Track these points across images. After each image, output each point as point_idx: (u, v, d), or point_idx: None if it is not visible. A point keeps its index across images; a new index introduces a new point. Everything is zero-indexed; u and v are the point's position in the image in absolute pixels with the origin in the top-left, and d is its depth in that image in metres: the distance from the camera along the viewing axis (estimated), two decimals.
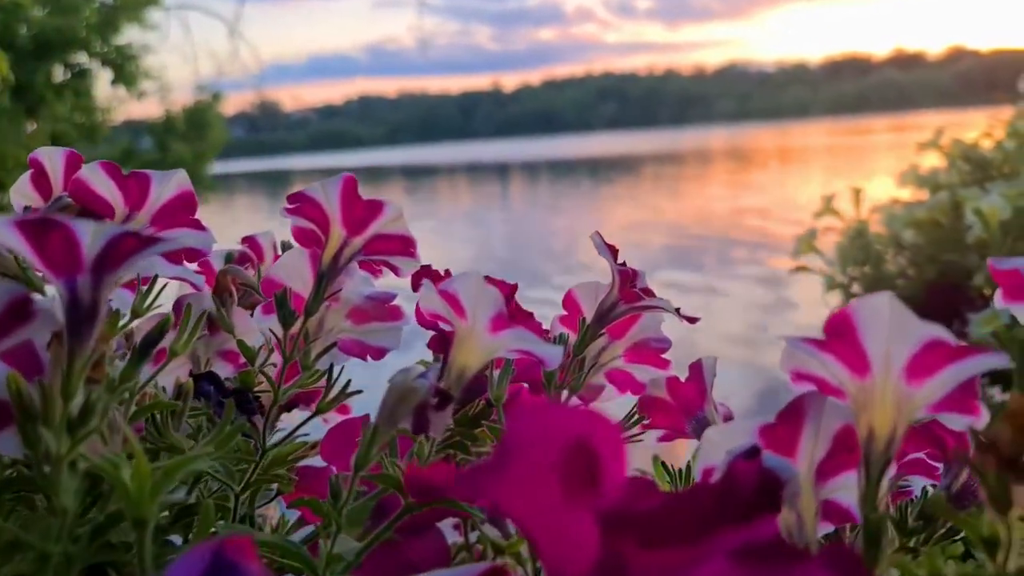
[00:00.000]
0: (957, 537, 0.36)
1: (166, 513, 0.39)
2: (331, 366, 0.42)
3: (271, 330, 0.41)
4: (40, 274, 0.41)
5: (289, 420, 0.53)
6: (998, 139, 1.41)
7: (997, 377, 1.39)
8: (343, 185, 0.40)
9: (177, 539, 0.39)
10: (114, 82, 9.85)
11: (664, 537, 0.19)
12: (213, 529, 0.35)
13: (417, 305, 0.41)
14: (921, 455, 0.40)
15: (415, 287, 0.58)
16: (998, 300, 0.28)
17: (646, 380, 0.47)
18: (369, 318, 0.43)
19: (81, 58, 9.68)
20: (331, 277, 0.41)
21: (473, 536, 0.43)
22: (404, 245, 0.42)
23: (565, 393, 0.48)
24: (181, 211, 0.43)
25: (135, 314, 0.41)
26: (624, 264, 0.44)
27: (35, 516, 0.33)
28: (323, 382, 0.52)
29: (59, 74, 9.65)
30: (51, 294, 0.35)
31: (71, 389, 0.29)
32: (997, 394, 1.29)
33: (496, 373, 0.40)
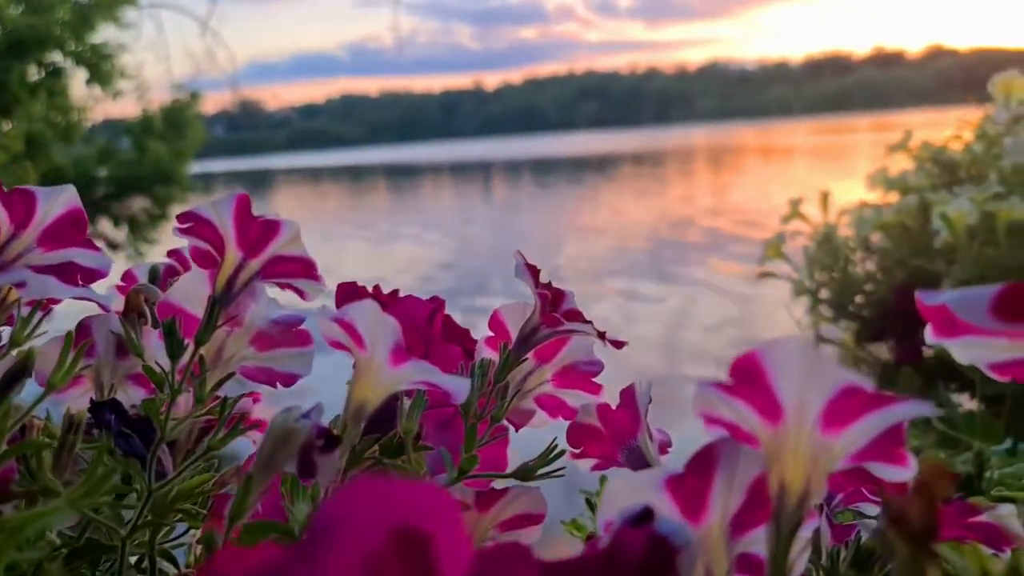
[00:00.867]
0: None
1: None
2: (225, 398, 0.39)
3: (156, 362, 0.38)
4: None
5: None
6: (967, 141, 1.40)
7: (966, 383, 1.38)
8: (236, 204, 0.37)
9: None
10: (89, 81, 9.73)
11: None
12: None
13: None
14: (864, 491, 0.38)
15: (338, 305, 0.56)
16: (929, 335, 0.26)
17: (577, 405, 0.45)
18: (275, 344, 0.40)
19: (56, 57, 9.55)
20: (226, 302, 0.38)
21: None
22: (305, 267, 0.39)
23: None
24: (70, 229, 0.40)
25: (14, 343, 0.37)
26: (548, 285, 0.41)
27: None
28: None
29: (33, 73, 9.52)
30: None
31: None
32: (966, 401, 1.28)
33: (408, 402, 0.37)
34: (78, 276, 0.41)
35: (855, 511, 0.43)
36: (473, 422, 0.40)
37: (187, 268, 0.61)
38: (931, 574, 0.20)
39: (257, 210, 0.42)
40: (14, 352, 0.38)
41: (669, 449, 0.45)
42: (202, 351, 0.38)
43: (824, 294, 1.39)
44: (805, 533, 0.28)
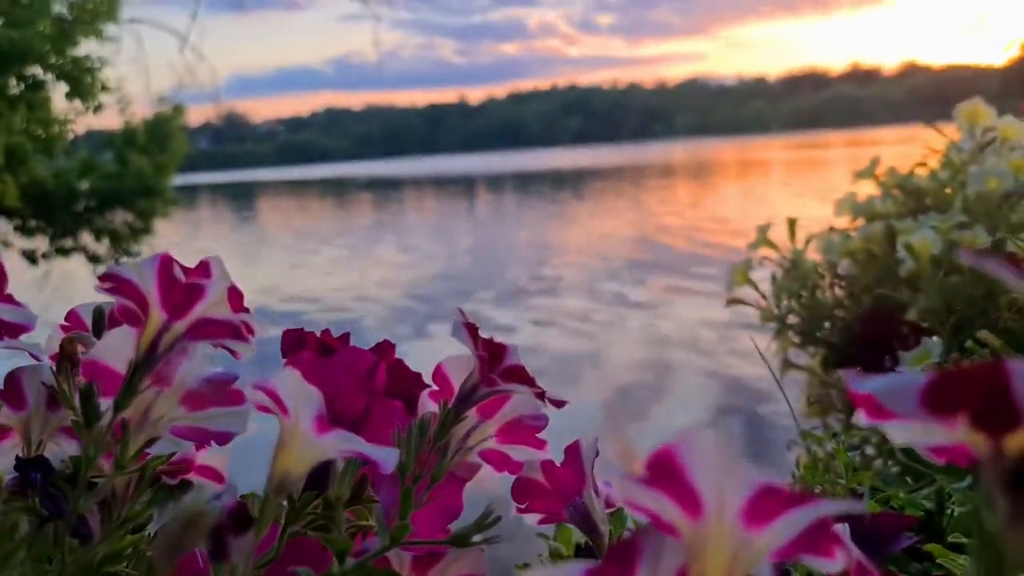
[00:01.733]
0: None
1: None
2: (144, 466, 0.38)
3: (72, 423, 0.37)
4: None
5: None
6: (933, 168, 1.41)
7: None
8: (159, 265, 0.36)
9: None
10: (69, 95, 9.64)
11: None
12: None
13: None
14: None
15: (284, 353, 0.54)
16: (861, 417, 0.25)
17: (522, 459, 0.44)
18: (207, 403, 0.39)
19: (36, 70, 9.46)
20: (150, 364, 0.37)
21: None
22: (232, 329, 0.38)
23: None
24: None
25: None
26: (489, 341, 0.41)
27: None
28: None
29: (13, 86, 9.42)
30: None
31: None
32: None
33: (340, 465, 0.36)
34: (2, 332, 0.40)
35: None
36: (410, 486, 0.39)
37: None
38: None
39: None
40: None
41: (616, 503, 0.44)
42: (125, 414, 0.37)
43: (792, 319, 1.39)
44: None
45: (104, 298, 0.47)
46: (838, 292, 1.44)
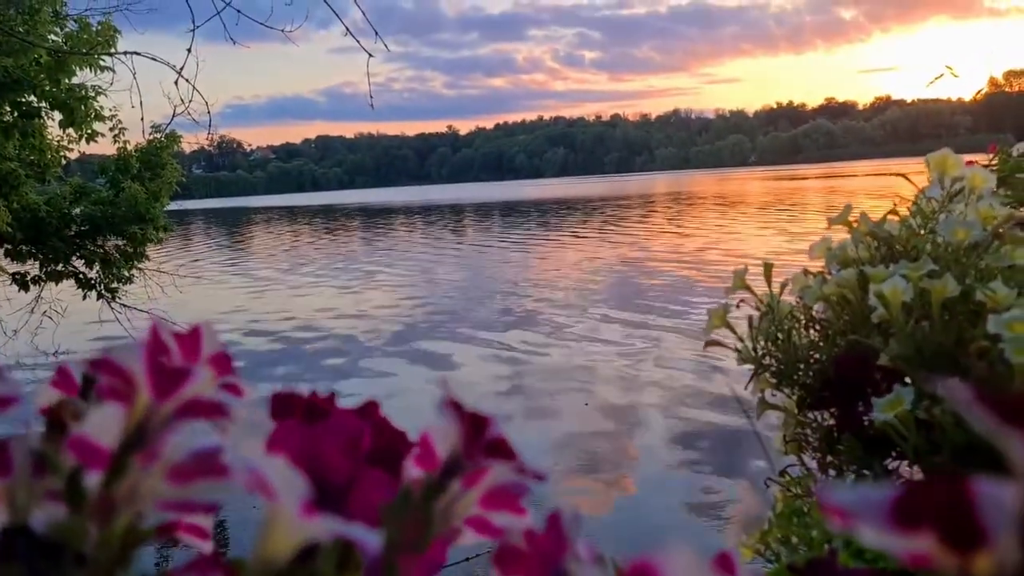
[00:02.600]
0: None
1: None
2: (129, 537, 0.38)
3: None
4: None
5: None
6: (904, 216, 1.45)
7: (902, 453, 1.41)
8: (148, 349, 0.37)
9: None
10: (63, 124, 9.61)
11: None
12: None
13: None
14: None
15: (272, 415, 0.55)
16: (833, 525, 0.26)
17: (503, 524, 0.45)
18: (193, 476, 0.40)
19: (30, 98, 9.42)
20: (138, 446, 0.37)
21: None
22: (220, 409, 0.39)
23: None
24: None
25: None
26: (473, 416, 0.42)
27: None
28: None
29: (7, 114, 9.38)
30: None
31: None
32: (905, 469, 1.30)
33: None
34: None
35: None
36: (394, 560, 0.40)
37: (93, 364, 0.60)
38: None
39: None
40: None
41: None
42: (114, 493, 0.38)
43: (768, 360, 1.41)
44: None
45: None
46: (813, 335, 1.46)
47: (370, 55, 4.95)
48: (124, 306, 10.13)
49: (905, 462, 1.53)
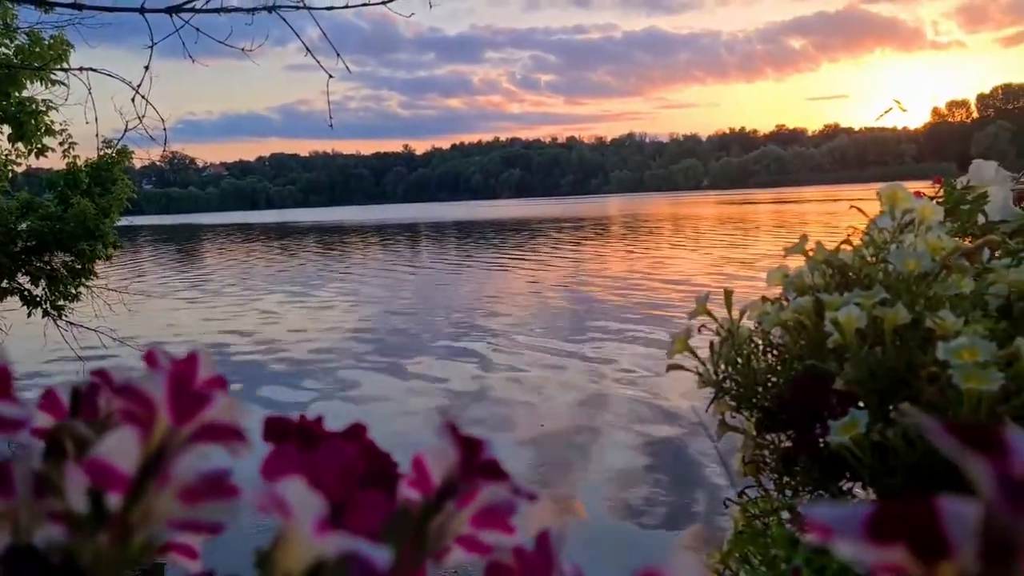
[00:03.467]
0: None
1: None
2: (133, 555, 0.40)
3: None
4: None
5: None
6: (857, 245, 1.51)
7: (856, 474, 1.45)
8: (170, 377, 0.38)
9: None
10: (11, 138, 9.36)
11: None
12: None
13: None
14: None
15: (265, 437, 0.56)
16: (811, 540, 0.29)
17: (493, 543, 0.47)
18: (202, 497, 0.41)
19: None
20: (156, 469, 0.39)
21: None
22: (235, 433, 0.40)
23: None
24: None
25: None
26: (468, 439, 0.44)
27: None
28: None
29: None
30: None
31: None
32: (857, 488, 1.34)
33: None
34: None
35: None
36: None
37: (111, 389, 0.61)
38: None
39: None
40: None
41: None
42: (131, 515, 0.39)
43: (728, 384, 1.45)
44: None
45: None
46: (771, 359, 1.51)
47: (330, 75, 4.95)
48: (71, 324, 9.88)
49: (860, 483, 1.58)
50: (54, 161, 9.95)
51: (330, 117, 5.11)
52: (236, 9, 4.59)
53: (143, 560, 0.40)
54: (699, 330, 1.51)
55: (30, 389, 0.48)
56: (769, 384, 1.44)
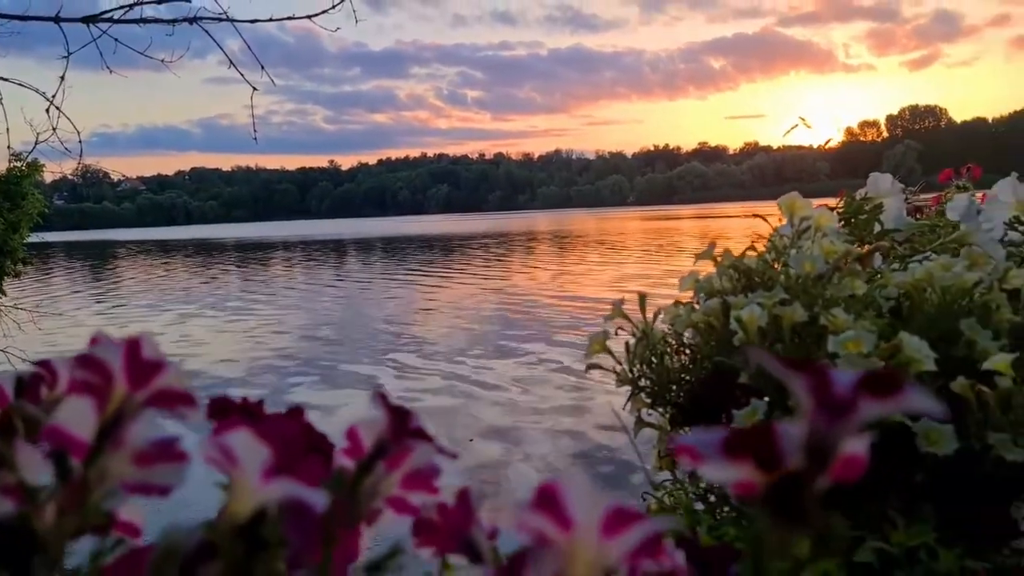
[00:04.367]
0: None
1: None
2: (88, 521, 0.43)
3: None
4: None
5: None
6: (761, 251, 1.61)
7: None
8: (126, 348, 0.42)
9: None
10: None
11: None
12: None
13: None
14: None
15: (210, 416, 0.60)
16: (684, 464, 0.35)
17: (419, 504, 0.52)
18: (154, 460, 0.45)
19: None
20: (113, 432, 0.43)
21: None
22: (186, 399, 0.45)
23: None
24: None
25: None
26: (399, 408, 0.49)
27: None
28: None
29: None
30: None
31: None
32: None
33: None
34: None
35: None
36: (331, 529, 0.46)
37: (54, 380, 0.64)
38: None
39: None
40: None
41: (497, 537, 0.53)
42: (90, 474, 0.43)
43: (644, 383, 1.53)
44: None
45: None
46: (683, 359, 1.58)
47: (254, 88, 4.90)
48: None
49: None
50: None
51: (254, 130, 5.04)
52: (156, 20, 4.51)
53: (95, 520, 0.44)
54: (616, 332, 1.58)
55: None
56: (682, 382, 1.52)
